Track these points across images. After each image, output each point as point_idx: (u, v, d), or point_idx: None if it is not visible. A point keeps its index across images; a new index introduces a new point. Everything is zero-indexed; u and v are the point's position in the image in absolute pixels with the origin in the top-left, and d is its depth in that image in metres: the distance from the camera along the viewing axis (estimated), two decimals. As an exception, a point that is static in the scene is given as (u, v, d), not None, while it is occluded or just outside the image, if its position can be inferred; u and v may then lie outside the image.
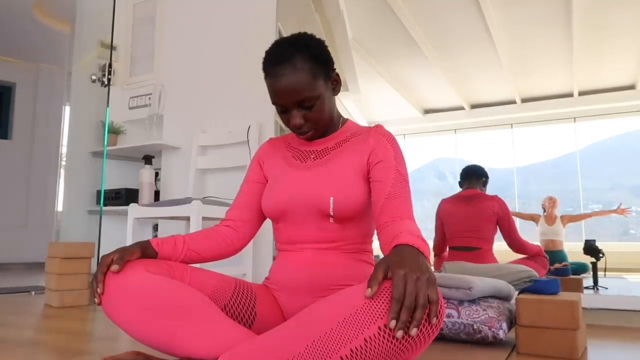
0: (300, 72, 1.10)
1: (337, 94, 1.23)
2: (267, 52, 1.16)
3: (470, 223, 2.69)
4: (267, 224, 1.29)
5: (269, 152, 1.32)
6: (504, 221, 2.65)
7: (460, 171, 2.86)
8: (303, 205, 1.17)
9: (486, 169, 2.86)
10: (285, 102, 1.13)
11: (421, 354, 0.84)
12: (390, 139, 1.19)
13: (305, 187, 1.18)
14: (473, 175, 2.78)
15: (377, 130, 1.22)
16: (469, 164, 2.88)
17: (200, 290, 1.05)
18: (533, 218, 4.54)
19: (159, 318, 0.96)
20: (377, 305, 0.79)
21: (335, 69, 1.20)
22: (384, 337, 0.78)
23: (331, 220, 1.15)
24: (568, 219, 4.47)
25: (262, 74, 1.16)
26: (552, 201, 4.51)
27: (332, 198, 1.13)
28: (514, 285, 2.07)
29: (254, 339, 0.91)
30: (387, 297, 0.80)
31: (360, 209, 1.16)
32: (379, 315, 0.78)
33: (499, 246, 2.70)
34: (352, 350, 0.79)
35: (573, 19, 5.11)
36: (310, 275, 1.15)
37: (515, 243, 2.67)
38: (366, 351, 0.78)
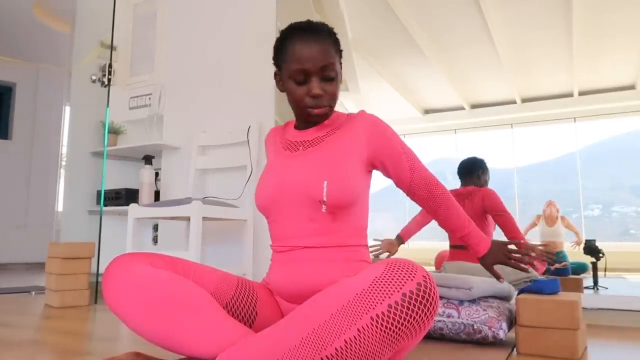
0: (326, 41, 1.16)
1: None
2: (290, 24, 1.20)
3: None
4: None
5: (269, 139, 1.34)
6: (497, 216, 2.55)
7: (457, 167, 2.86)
8: (294, 192, 1.14)
9: (484, 161, 2.83)
10: (311, 67, 1.13)
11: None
12: (378, 123, 1.22)
13: (296, 173, 1.16)
14: (466, 172, 2.78)
15: (364, 117, 1.22)
16: (465, 157, 2.86)
17: (202, 287, 1.05)
18: (535, 224, 4.58)
19: (161, 312, 0.95)
20: (369, 296, 0.82)
21: (341, 63, 1.25)
22: (376, 327, 0.80)
23: (323, 208, 1.12)
24: (567, 222, 4.51)
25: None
26: (551, 204, 4.55)
27: (325, 182, 1.10)
28: (514, 285, 2.06)
29: (252, 337, 0.92)
30: (378, 288, 0.82)
31: (355, 197, 1.14)
32: (371, 305, 0.81)
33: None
34: (346, 342, 0.80)
35: (573, 19, 5.10)
36: (306, 286, 1.12)
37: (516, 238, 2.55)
38: (360, 342, 0.80)
